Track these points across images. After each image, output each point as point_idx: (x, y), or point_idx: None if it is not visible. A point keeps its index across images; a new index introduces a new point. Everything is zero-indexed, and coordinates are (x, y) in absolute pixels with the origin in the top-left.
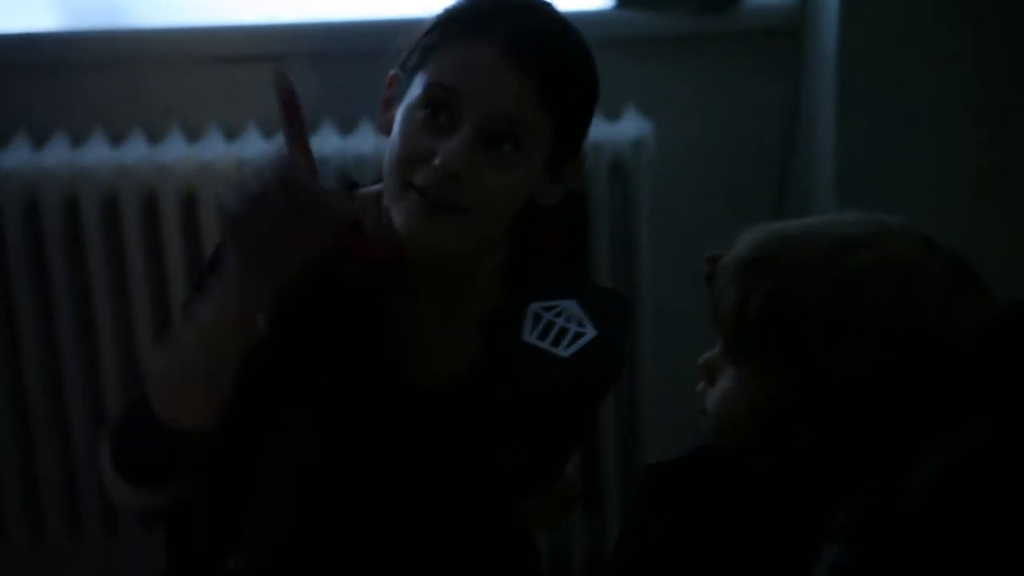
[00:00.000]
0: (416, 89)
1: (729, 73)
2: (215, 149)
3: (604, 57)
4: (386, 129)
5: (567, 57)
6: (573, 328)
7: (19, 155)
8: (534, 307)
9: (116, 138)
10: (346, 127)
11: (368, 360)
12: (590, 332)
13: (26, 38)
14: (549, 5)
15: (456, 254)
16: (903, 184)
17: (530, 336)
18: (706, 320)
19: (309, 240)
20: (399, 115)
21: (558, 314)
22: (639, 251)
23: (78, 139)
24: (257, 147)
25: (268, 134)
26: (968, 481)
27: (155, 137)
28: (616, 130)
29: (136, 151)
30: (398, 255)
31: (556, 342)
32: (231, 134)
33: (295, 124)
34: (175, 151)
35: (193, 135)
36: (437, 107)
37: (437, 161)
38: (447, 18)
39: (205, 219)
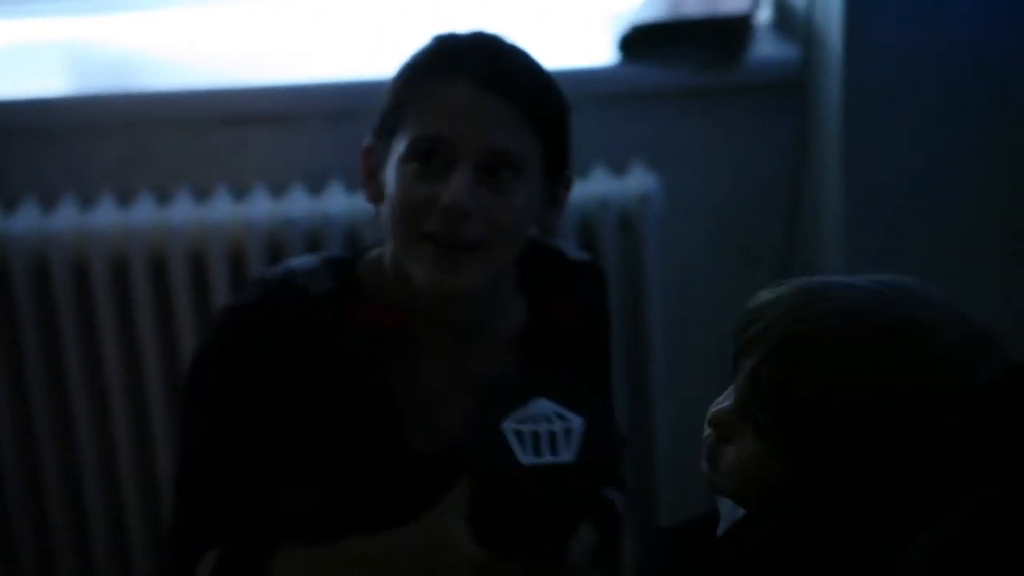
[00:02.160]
0: (401, 145)
1: (735, 127)
2: (223, 210)
3: (610, 112)
4: (376, 198)
5: (540, 78)
6: (559, 426)
7: (28, 218)
8: (509, 426)
9: (125, 200)
10: (358, 186)
11: (369, 425)
12: (575, 422)
13: (35, 103)
14: (500, 36)
15: (472, 298)
16: (911, 235)
17: (526, 457)
18: (719, 374)
19: None
20: (391, 173)
21: (535, 421)
22: (649, 306)
23: (87, 202)
24: (265, 207)
25: (276, 194)
26: (970, 552)
27: (163, 199)
28: (623, 185)
29: (144, 213)
30: (400, 321)
31: (554, 450)
32: (239, 194)
33: None
34: (183, 212)
35: (201, 196)
36: (428, 155)
37: (443, 202)
38: (410, 72)
39: (213, 279)
